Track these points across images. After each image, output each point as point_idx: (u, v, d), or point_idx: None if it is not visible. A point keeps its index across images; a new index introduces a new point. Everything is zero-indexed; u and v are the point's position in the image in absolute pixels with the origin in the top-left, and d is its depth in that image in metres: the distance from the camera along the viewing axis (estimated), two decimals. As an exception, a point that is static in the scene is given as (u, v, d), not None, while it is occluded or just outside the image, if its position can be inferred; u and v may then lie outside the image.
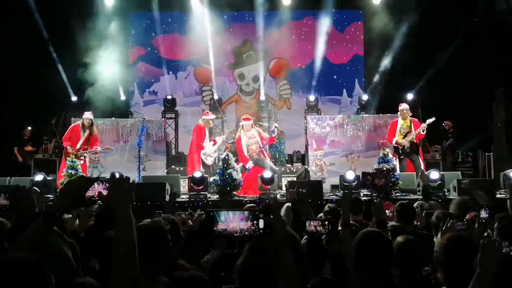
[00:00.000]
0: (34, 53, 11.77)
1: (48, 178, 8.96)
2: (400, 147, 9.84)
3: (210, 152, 10.15)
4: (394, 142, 9.91)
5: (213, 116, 10.50)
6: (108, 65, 12.17)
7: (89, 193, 2.01)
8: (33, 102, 12.10)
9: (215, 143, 10.32)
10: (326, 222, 3.27)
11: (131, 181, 1.97)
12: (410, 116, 10.04)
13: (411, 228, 4.65)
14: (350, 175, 8.94)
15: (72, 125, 10.05)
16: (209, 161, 10.16)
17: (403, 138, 9.83)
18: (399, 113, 10.06)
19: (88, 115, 9.90)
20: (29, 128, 11.99)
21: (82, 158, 9.59)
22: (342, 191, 8.24)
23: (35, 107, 12.14)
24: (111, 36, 12.67)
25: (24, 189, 2.29)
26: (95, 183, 2.05)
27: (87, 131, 9.74)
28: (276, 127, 10.11)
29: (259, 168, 9.46)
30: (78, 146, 9.63)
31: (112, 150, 10.58)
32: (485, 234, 3.74)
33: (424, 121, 10.03)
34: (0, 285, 1.63)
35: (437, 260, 2.81)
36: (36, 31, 11.80)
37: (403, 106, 10.04)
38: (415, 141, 9.80)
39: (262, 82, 13.80)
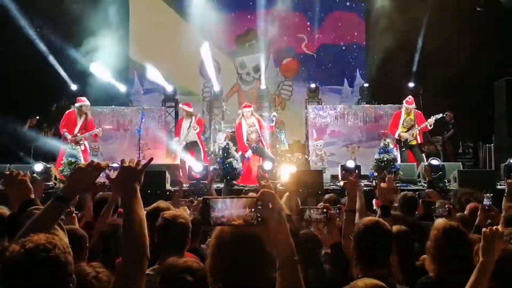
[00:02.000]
0: (35, 40, 11.70)
1: (48, 166, 8.94)
2: (403, 140, 9.77)
3: (176, 142, 10.18)
4: (396, 135, 9.80)
5: (190, 109, 10.29)
6: (109, 53, 12.10)
7: (100, 178, 2.00)
8: (33, 90, 12.05)
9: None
10: (325, 210, 3.24)
11: (145, 162, 1.97)
12: (414, 108, 9.91)
13: (411, 219, 4.64)
14: (350, 164, 8.93)
15: (67, 112, 9.95)
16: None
17: (407, 131, 9.73)
18: (403, 105, 9.88)
19: (86, 101, 9.79)
20: (37, 117, 11.94)
21: (82, 143, 9.54)
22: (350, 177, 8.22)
23: (35, 94, 12.08)
24: (111, 23, 12.58)
25: (19, 174, 2.26)
26: (106, 169, 2.06)
27: (83, 117, 9.70)
28: (274, 115, 10.06)
29: (258, 157, 9.45)
30: (76, 132, 9.59)
31: (110, 128, 10.61)
32: (488, 222, 3.72)
33: (423, 111, 9.98)
34: (21, 271, 1.60)
35: (428, 250, 2.81)
36: (37, 18, 11.72)
37: (408, 99, 9.81)
38: (418, 136, 9.71)
39: (263, 72, 13.70)
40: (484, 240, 2.29)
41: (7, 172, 2.28)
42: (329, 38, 14.25)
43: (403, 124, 9.77)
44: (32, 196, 2.21)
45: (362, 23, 14.25)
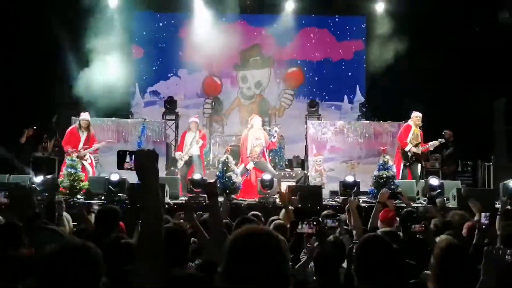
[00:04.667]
0: (35, 50, 11.77)
1: (48, 177, 8.90)
2: (411, 154, 9.77)
3: (178, 156, 10.18)
4: (408, 149, 9.78)
5: (195, 120, 10.39)
6: (110, 65, 12.16)
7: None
8: (33, 100, 12.07)
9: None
10: (315, 223, 3.35)
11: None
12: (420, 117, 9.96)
13: (407, 235, 4.62)
14: (349, 179, 8.95)
15: (70, 128, 9.92)
16: (178, 163, 10.20)
17: (414, 147, 9.78)
18: (411, 120, 9.93)
19: (85, 115, 9.80)
20: (34, 127, 11.94)
21: (86, 158, 9.53)
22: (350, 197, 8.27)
23: (35, 105, 12.10)
24: (114, 35, 12.65)
25: (24, 189, 2.29)
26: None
27: (85, 132, 9.70)
28: (276, 131, 10.08)
29: (258, 172, 9.46)
30: (80, 147, 9.56)
31: (114, 142, 10.56)
32: (486, 241, 3.73)
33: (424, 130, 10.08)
34: (55, 269, 1.78)
35: (430, 269, 2.81)
36: (40, 28, 11.80)
37: (418, 113, 9.92)
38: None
39: (265, 88, 13.76)
40: (485, 258, 2.30)
41: (13, 187, 2.31)
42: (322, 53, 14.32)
43: (410, 139, 9.82)
44: (37, 210, 2.23)
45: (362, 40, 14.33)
